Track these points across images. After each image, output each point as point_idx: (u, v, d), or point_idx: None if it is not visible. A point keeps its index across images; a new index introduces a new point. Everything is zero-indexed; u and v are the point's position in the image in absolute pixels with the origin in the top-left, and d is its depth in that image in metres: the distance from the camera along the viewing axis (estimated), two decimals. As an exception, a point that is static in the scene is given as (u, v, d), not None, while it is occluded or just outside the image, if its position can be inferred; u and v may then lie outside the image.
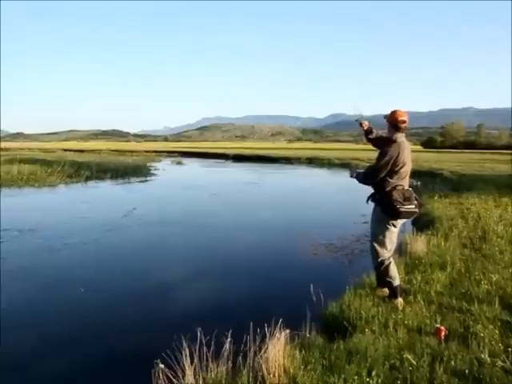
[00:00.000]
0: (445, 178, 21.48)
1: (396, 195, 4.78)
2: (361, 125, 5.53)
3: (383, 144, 5.05)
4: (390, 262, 5.07)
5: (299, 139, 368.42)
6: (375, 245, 5.07)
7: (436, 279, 5.62)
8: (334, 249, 8.99)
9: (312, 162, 44.72)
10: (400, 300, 4.98)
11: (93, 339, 5.06)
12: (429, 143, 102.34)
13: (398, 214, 4.81)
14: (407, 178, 5.04)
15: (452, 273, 5.93)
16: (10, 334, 5.03)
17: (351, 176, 5.33)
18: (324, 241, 9.54)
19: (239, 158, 51.52)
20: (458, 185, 17.45)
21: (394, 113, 4.97)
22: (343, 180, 25.10)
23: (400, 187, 4.89)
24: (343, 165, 36.51)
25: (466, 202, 12.64)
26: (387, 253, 5.06)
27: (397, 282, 5.07)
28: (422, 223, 10.12)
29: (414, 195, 4.94)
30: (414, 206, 4.85)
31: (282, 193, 20.52)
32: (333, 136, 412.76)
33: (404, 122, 4.95)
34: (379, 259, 5.05)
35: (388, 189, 4.86)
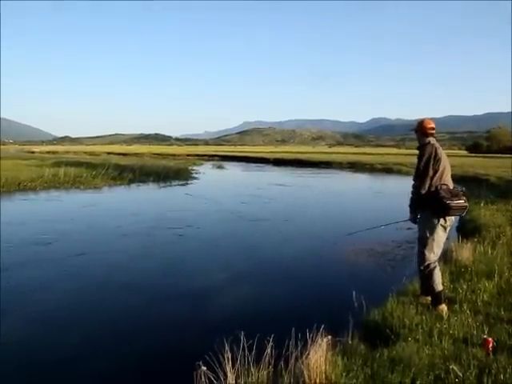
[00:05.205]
0: (491, 183, 20.89)
1: (443, 193, 4.81)
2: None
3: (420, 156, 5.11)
4: (436, 267, 5.02)
5: (340, 143, 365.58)
6: (423, 249, 5.01)
7: (483, 288, 5.44)
8: (375, 254, 8.87)
9: (353, 166, 44.11)
10: (444, 306, 4.89)
11: (139, 339, 5.17)
12: (474, 148, 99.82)
13: (448, 210, 4.77)
14: (449, 179, 5.05)
15: (500, 282, 5.73)
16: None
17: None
18: (365, 246, 9.38)
19: (279, 163, 51.56)
20: (506, 191, 16.91)
21: (422, 122, 5.19)
22: (385, 184, 24.74)
23: (444, 186, 4.91)
24: (386, 169, 35.97)
25: (515, 208, 12.20)
26: (434, 257, 5.01)
27: (440, 287, 5.00)
28: (468, 230, 9.86)
29: (461, 192, 4.98)
30: (463, 201, 4.85)
31: (324, 195, 20.36)
32: (375, 140, 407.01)
33: (433, 128, 5.16)
34: (425, 263, 4.98)
35: (433, 189, 4.90)
